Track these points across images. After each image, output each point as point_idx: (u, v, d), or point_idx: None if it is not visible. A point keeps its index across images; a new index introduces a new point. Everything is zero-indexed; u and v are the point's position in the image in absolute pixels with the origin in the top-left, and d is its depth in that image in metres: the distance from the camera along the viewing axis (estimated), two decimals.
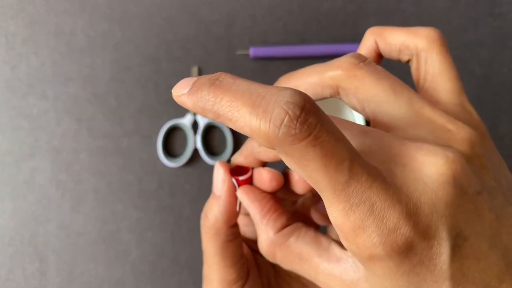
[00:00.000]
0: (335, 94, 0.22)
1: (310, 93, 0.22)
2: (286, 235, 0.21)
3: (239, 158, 0.24)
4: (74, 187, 0.47)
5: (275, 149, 0.15)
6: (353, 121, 0.47)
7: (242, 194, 0.23)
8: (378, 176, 0.15)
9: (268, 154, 0.22)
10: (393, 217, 0.15)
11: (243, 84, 0.16)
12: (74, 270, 0.47)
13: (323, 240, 0.20)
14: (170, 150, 0.48)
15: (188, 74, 0.48)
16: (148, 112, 0.47)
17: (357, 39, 0.48)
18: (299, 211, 0.30)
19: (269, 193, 0.23)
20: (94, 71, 0.47)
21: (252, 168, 0.24)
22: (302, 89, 0.22)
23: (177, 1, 0.48)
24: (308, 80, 0.23)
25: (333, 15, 0.48)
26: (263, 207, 0.22)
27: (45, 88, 0.47)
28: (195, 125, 0.47)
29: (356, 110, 0.21)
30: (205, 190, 0.47)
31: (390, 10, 0.48)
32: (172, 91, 0.18)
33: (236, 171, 0.24)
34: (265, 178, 0.23)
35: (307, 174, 0.15)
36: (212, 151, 0.48)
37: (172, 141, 0.48)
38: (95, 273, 0.47)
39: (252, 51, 0.46)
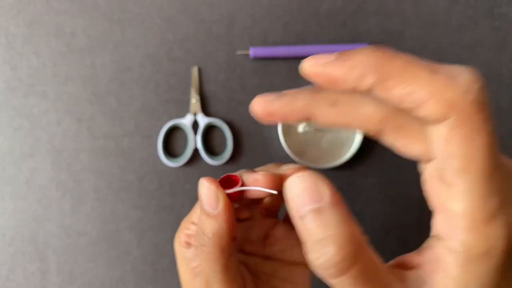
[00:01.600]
0: (382, 130, 0.19)
1: (357, 124, 0.19)
2: (366, 242, 0.19)
3: (283, 106, 0.21)
4: (74, 187, 0.47)
5: (446, 119, 0.15)
6: None
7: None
8: None
9: (338, 118, 0.19)
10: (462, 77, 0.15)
11: (404, 54, 0.16)
12: (75, 270, 0.47)
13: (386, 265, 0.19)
14: (170, 150, 0.48)
15: (188, 74, 0.48)
16: (149, 112, 0.47)
17: (357, 39, 0.48)
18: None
19: None
20: (95, 71, 0.48)
21: (241, 177, 0.23)
22: (349, 117, 0.19)
23: (177, 1, 0.48)
24: (360, 111, 0.19)
25: (333, 15, 0.48)
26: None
27: (45, 88, 0.47)
28: (195, 125, 0.47)
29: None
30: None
31: (389, 11, 0.48)
32: (309, 66, 0.18)
33: (223, 182, 0.22)
34: (263, 183, 0.22)
35: (465, 151, 0.15)
36: (212, 151, 0.48)
37: (173, 141, 0.48)
38: (95, 272, 0.47)
39: (252, 51, 0.47)
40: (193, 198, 0.47)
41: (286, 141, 0.45)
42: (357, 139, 0.46)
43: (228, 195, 0.22)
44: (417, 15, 0.48)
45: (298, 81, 0.48)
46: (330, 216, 0.17)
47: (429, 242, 0.18)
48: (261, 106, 0.20)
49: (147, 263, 0.47)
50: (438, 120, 0.15)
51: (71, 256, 0.47)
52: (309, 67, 0.18)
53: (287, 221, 0.29)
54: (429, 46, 0.48)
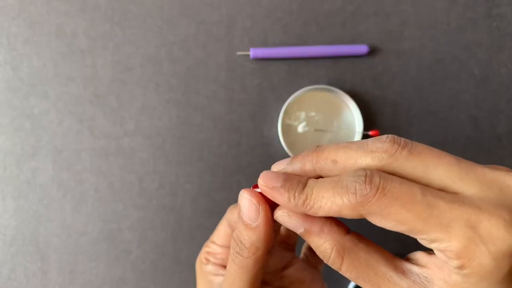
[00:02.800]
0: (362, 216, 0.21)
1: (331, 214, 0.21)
2: (354, 240, 0.21)
3: (293, 171, 0.23)
4: (75, 187, 0.47)
5: (362, 215, 0.19)
6: (352, 120, 0.47)
7: (295, 216, 0.22)
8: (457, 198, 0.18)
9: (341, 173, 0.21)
10: (488, 224, 0.17)
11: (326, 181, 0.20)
12: (75, 269, 0.47)
13: (387, 253, 0.21)
14: None
15: (188, 74, 0.48)
16: (149, 112, 0.48)
17: (356, 40, 0.48)
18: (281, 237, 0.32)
19: None
20: (95, 72, 0.48)
21: None
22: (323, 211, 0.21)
23: (177, 2, 0.48)
24: (327, 203, 0.20)
25: (332, 16, 0.48)
26: (319, 218, 0.22)
27: (46, 89, 0.48)
28: None
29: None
30: (206, 189, 0.48)
31: (389, 11, 0.49)
32: (261, 180, 0.22)
33: (257, 186, 0.23)
34: None
35: (396, 219, 0.18)
36: None
37: None
38: (96, 272, 0.47)
39: (252, 52, 0.47)
40: (194, 197, 0.48)
41: (286, 141, 0.46)
42: (357, 139, 0.46)
43: (269, 204, 0.22)
44: (416, 16, 0.49)
45: (297, 82, 0.48)
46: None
47: (436, 254, 0.20)
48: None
49: (148, 262, 0.47)
50: (358, 217, 0.20)
51: (72, 255, 0.47)
52: (263, 186, 0.23)
53: (305, 259, 0.32)
54: (428, 47, 0.49)
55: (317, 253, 0.22)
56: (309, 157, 0.22)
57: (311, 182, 0.21)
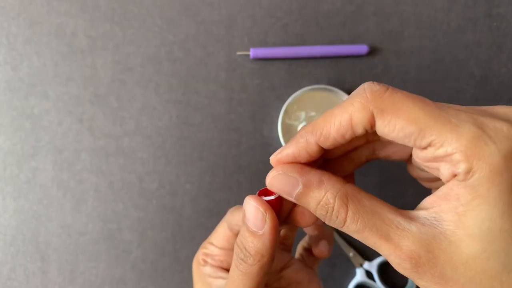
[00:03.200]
0: (370, 125, 0.20)
1: (341, 134, 0.20)
2: (355, 188, 0.20)
3: (288, 153, 0.22)
4: (75, 187, 0.47)
5: (371, 115, 0.18)
6: None
7: (292, 169, 0.21)
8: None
9: (335, 138, 0.21)
10: (497, 124, 0.17)
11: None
12: (75, 269, 0.47)
13: (388, 204, 0.20)
14: None
15: (188, 74, 0.48)
16: (149, 112, 0.48)
17: (356, 40, 0.48)
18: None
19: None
20: (95, 72, 0.48)
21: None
22: (332, 135, 0.20)
23: (177, 2, 0.48)
24: (336, 121, 0.20)
25: (332, 16, 0.48)
26: (316, 170, 0.21)
27: (46, 89, 0.48)
28: None
29: (401, 140, 0.20)
30: (206, 189, 0.48)
31: (389, 11, 0.49)
32: (272, 158, 0.22)
33: (262, 193, 0.23)
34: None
35: (407, 117, 0.18)
36: None
37: None
38: (96, 272, 0.47)
39: (252, 52, 0.47)
40: (194, 197, 0.48)
41: (286, 141, 0.46)
42: None
43: (272, 207, 0.22)
44: (416, 16, 0.49)
45: (297, 82, 0.48)
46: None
47: (440, 187, 0.19)
48: (277, 162, 0.22)
49: (148, 262, 0.47)
50: (369, 121, 0.19)
51: (71, 255, 0.47)
52: (273, 158, 0.22)
53: (301, 260, 0.32)
54: (428, 47, 0.49)
55: (318, 212, 0.20)
56: (305, 131, 0.22)
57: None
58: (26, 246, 0.47)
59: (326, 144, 0.21)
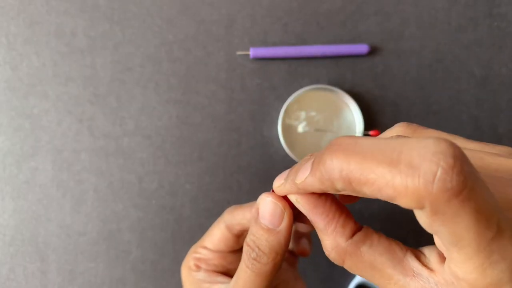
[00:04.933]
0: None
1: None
2: (357, 243, 0.19)
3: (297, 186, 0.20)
4: (74, 187, 0.47)
5: (423, 208, 0.14)
6: (352, 120, 0.47)
7: (303, 202, 0.20)
8: None
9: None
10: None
11: (367, 142, 0.15)
12: (75, 270, 0.47)
13: (398, 250, 0.19)
14: None
15: (188, 74, 0.48)
16: (149, 112, 0.48)
17: (356, 39, 0.48)
18: None
19: (329, 196, 0.21)
20: (95, 71, 0.48)
21: None
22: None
23: (177, 1, 0.48)
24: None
25: (332, 15, 0.48)
26: (328, 213, 0.20)
27: (46, 88, 0.47)
28: None
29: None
30: (206, 189, 0.48)
31: (389, 11, 0.48)
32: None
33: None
34: None
35: (452, 231, 0.14)
36: None
37: None
38: (95, 272, 0.47)
39: (252, 52, 0.47)
40: (194, 197, 0.47)
41: (286, 141, 0.45)
42: None
43: (291, 207, 0.22)
44: (416, 15, 0.49)
45: (297, 82, 0.48)
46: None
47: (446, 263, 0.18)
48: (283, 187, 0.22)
49: (147, 263, 0.47)
50: (417, 208, 0.14)
51: (71, 255, 0.47)
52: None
53: (286, 259, 0.32)
54: (428, 46, 0.49)
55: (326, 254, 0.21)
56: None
57: (345, 140, 0.17)
58: (25, 246, 0.47)
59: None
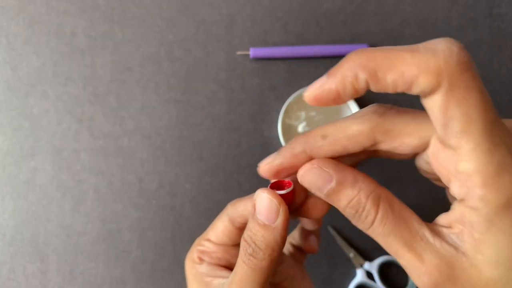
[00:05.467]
0: (376, 141, 0.20)
1: (352, 145, 0.20)
2: (389, 192, 0.20)
3: (284, 159, 0.22)
4: (74, 187, 0.47)
5: (439, 87, 0.16)
6: None
7: (325, 164, 0.20)
8: None
9: (334, 147, 0.21)
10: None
11: (383, 48, 0.17)
12: (75, 270, 0.47)
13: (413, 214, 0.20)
14: None
15: (188, 74, 0.48)
16: (149, 112, 0.48)
17: (356, 39, 0.48)
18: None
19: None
20: (95, 71, 0.48)
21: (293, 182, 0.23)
22: (342, 142, 0.20)
23: (177, 2, 0.48)
24: (348, 133, 0.20)
25: (332, 15, 0.48)
26: (349, 168, 0.21)
27: (45, 88, 0.47)
28: None
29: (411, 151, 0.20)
30: (206, 189, 0.47)
31: (389, 11, 0.48)
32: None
33: (274, 186, 0.23)
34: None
35: (463, 112, 0.16)
36: None
37: None
38: (95, 272, 0.47)
39: (252, 52, 0.47)
40: (194, 197, 0.47)
41: (286, 141, 0.45)
42: None
43: (285, 200, 0.22)
44: (417, 15, 0.49)
45: (297, 82, 0.48)
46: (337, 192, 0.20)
47: (454, 206, 0.19)
48: (267, 171, 0.22)
49: (147, 263, 0.47)
50: (433, 90, 0.16)
51: (71, 255, 0.47)
52: (310, 94, 0.19)
53: (290, 255, 0.31)
54: None
55: (347, 211, 0.20)
56: (297, 140, 0.21)
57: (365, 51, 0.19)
58: (25, 246, 0.47)
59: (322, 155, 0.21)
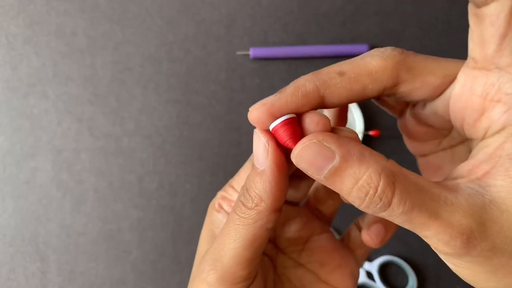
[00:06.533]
0: (392, 84, 0.18)
1: (373, 84, 0.18)
2: (397, 164, 0.17)
3: (291, 99, 0.17)
4: (75, 187, 0.47)
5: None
6: (353, 120, 0.47)
7: (329, 137, 0.17)
8: None
9: (353, 86, 0.18)
10: None
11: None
12: (75, 270, 0.47)
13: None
14: None
15: (188, 74, 0.48)
16: (149, 112, 0.48)
17: (356, 39, 0.48)
18: (310, 203, 0.27)
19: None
20: (95, 71, 0.48)
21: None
22: (362, 79, 0.18)
23: (177, 2, 0.48)
24: (370, 68, 0.18)
25: (332, 15, 0.48)
26: (352, 141, 0.17)
27: (46, 88, 0.47)
28: None
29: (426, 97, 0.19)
30: (206, 189, 0.47)
31: (389, 11, 0.48)
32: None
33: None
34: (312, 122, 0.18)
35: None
36: None
37: None
38: (95, 272, 0.47)
39: (252, 52, 0.47)
40: (194, 197, 0.47)
41: None
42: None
43: (284, 145, 0.18)
44: (417, 15, 0.49)
45: None
46: (344, 169, 0.16)
47: (476, 149, 0.17)
48: (261, 116, 0.18)
49: (147, 263, 0.47)
50: None
51: (71, 255, 0.47)
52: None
53: (343, 239, 0.27)
54: (429, 46, 0.48)
55: (354, 194, 0.16)
56: (307, 77, 0.18)
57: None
58: (25, 246, 0.47)
59: (333, 98, 0.18)
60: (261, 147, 0.18)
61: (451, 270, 0.18)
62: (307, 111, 0.18)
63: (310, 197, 0.27)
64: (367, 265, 0.46)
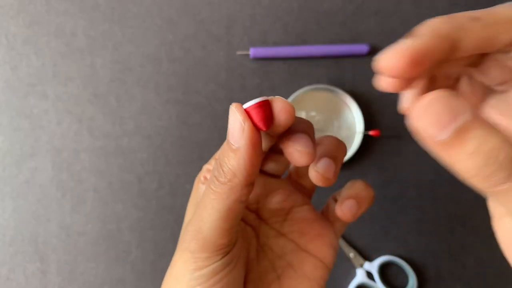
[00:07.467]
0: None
1: (505, 33, 0.16)
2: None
3: (428, 40, 0.16)
4: (74, 187, 0.47)
5: None
6: (353, 120, 0.47)
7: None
8: None
9: (487, 32, 0.16)
10: None
11: None
12: (75, 270, 0.47)
13: None
14: None
15: (188, 74, 0.48)
16: (149, 112, 0.48)
17: (357, 39, 0.48)
18: (292, 177, 0.27)
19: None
20: (95, 71, 0.48)
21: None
22: (498, 26, 0.16)
23: (177, 1, 0.48)
24: (509, 16, 0.16)
25: (332, 15, 0.48)
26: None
27: (45, 88, 0.47)
28: None
29: None
30: None
31: (389, 11, 0.48)
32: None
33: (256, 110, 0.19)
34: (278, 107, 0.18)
35: None
36: None
37: None
38: (95, 272, 0.47)
39: (252, 52, 0.47)
40: None
41: None
42: (357, 139, 0.46)
43: (256, 126, 0.18)
44: (417, 15, 0.49)
45: (297, 82, 0.48)
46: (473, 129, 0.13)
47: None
48: (400, 61, 0.16)
49: (147, 263, 0.47)
50: None
51: (71, 256, 0.47)
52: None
53: (323, 211, 0.27)
54: None
55: (467, 160, 0.13)
56: (439, 20, 0.17)
57: None
58: (25, 246, 0.47)
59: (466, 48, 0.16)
60: (237, 124, 0.18)
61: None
62: (440, 58, 0.16)
63: (291, 172, 0.27)
64: (367, 265, 0.46)
